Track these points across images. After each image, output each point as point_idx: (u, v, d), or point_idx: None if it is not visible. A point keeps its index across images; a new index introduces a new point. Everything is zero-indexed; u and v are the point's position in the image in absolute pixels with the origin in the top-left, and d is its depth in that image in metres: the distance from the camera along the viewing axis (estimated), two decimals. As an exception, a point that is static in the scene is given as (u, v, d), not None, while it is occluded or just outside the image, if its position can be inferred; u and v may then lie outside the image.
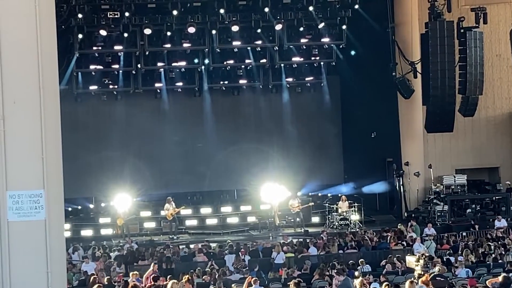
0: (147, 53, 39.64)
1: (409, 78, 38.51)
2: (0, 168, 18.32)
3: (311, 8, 38.42)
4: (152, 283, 23.43)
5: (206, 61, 40.83)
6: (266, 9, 37.97)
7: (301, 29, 39.62)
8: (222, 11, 37.85)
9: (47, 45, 18.79)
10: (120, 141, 42.07)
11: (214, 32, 39.05)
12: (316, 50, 41.07)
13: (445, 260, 27.06)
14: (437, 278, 22.76)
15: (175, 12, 37.23)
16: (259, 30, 39.33)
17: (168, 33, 38.52)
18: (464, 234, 33.17)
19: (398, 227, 33.86)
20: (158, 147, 42.46)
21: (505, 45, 40.22)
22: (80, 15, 36.74)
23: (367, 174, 41.05)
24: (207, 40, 39.56)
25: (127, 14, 37.11)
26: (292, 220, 37.84)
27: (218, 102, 43.55)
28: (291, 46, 40.63)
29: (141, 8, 37.51)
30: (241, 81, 42.38)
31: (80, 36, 37.87)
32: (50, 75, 18.84)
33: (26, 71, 18.51)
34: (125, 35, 38.33)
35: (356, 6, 38.65)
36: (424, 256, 26.11)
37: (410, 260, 26.53)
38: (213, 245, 31.94)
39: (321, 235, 32.94)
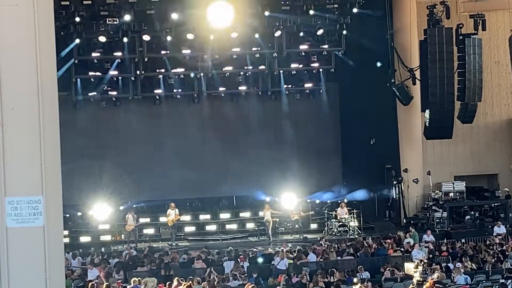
0: (146, 59, 39.60)
1: (408, 84, 38.56)
2: (-2, 174, 18.34)
3: (310, 15, 38.41)
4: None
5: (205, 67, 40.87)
6: (266, 13, 37.86)
7: (300, 35, 39.62)
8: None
9: (46, 51, 18.80)
10: (119, 147, 42.06)
11: (212, 38, 39.00)
12: (315, 56, 41.04)
13: (443, 266, 27.06)
14: (436, 285, 22.77)
15: (174, 17, 37.03)
16: (257, 36, 39.29)
17: (167, 39, 38.50)
18: (463, 240, 33.15)
19: (398, 233, 33.86)
20: (157, 154, 42.42)
21: (504, 51, 40.27)
22: (79, 21, 36.72)
23: (366, 180, 41.04)
24: (206, 47, 39.52)
25: (126, 19, 37.09)
26: (291, 226, 37.86)
27: (217, 108, 43.50)
28: (290, 53, 40.62)
29: (140, 15, 37.48)
30: (240, 88, 42.36)
31: (79, 42, 37.86)
32: (48, 82, 18.85)
33: (24, 77, 18.53)
34: (124, 41, 38.32)
35: (355, 12, 38.62)
36: (422, 262, 26.11)
37: (409, 267, 26.52)
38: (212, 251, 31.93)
39: (320, 242, 32.94)
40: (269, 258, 29.78)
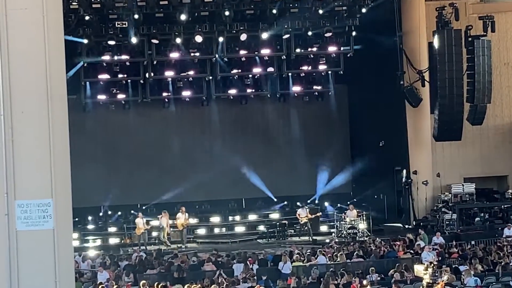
0: (155, 62, 39.65)
1: (417, 86, 38.50)
2: (8, 178, 18.37)
3: (318, 16, 38.36)
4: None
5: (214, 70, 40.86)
6: (274, 12, 37.73)
7: (309, 37, 39.59)
8: (229, 20, 37.76)
9: (55, 55, 18.85)
10: (128, 150, 42.15)
11: (221, 41, 39.04)
12: (324, 58, 41.00)
13: (453, 268, 26.97)
14: (446, 287, 22.74)
15: (183, 17, 36.95)
16: (266, 38, 39.22)
17: (176, 42, 38.51)
18: (472, 242, 33.06)
19: (407, 235, 33.77)
20: (166, 156, 42.49)
21: (513, 53, 40.25)
22: (88, 24, 36.76)
23: (375, 183, 40.99)
24: (214, 49, 39.55)
25: (135, 22, 37.09)
26: (300, 228, 37.85)
27: (226, 111, 43.56)
28: (299, 55, 40.59)
29: (149, 18, 37.50)
30: (249, 90, 42.35)
31: (88, 45, 37.91)
32: (58, 85, 18.90)
33: (34, 81, 18.58)
34: (133, 44, 38.34)
35: (364, 13, 38.55)
36: (432, 264, 26.05)
37: (419, 269, 26.47)
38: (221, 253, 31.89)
39: (330, 244, 32.89)
40: (278, 261, 29.74)
